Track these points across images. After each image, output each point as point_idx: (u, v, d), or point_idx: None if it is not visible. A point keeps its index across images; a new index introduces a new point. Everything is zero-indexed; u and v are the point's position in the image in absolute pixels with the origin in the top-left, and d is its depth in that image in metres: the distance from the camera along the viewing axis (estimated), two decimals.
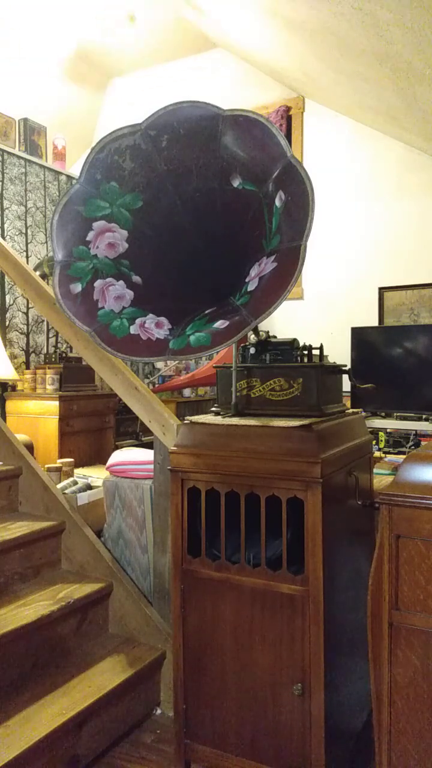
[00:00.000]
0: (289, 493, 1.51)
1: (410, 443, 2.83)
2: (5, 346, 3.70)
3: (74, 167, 4.77)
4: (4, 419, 3.49)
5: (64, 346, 4.17)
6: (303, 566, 1.51)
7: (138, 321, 1.59)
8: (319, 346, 1.74)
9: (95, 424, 3.63)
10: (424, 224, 3.91)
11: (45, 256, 4.04)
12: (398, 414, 3.03)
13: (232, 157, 1.54)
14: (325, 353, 1.75)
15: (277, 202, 1.47)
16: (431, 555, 1.28)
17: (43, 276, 3.59)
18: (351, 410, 1.86)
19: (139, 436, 4.02)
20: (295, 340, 1.73)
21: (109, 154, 1.59)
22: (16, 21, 4.04)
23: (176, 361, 4.20)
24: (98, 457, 3.58)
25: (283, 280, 1.40)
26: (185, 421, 1.71)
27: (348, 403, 2.06)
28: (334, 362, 1.78)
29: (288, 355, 1.71)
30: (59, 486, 2.57)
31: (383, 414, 3.06)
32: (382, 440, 2.87)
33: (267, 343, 1.73)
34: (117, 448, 3.44)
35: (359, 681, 1.77)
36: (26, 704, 1.74)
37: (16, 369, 3.56)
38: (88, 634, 2.12)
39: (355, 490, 1.72)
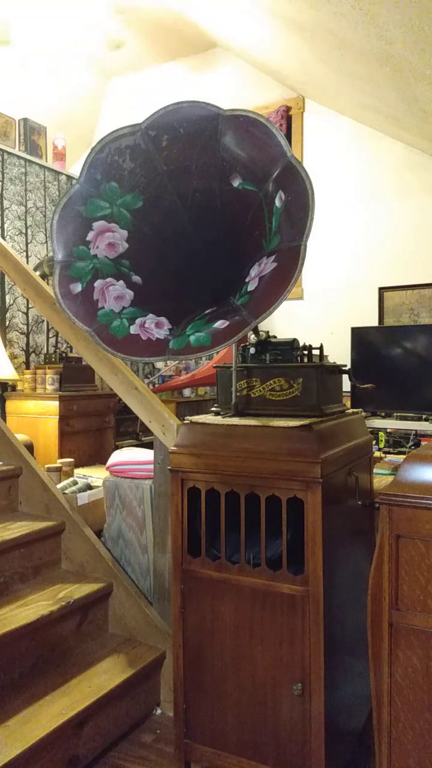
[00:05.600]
0: (289, 493, 1.51)
1: (410, 443, 2.83)
2: (5, 346, 3.70)
3: (74, 167, 4.77)
4: (4, 419, 3.49)
5: (64, 346, 4.17)
6: (303, 566, 1.51)
7: (138, 321, 1.59)
8: (319, 346, 1.74)
9: (95, 424, 3.63)
10: (424, 224, 3.91)
11: (45, 256, 4.04)
12: (398, 414, 3.03)
13: (232, 157, 1.54)
14: (325, 353, 1.75)
15: (277, 202, 1.47)
16: (431, 555, 1.28)
17: (43, 276, 3.59)
18: (351, 410, 1.86)
19: (139, 436, 4.02)
20: (295, 340, 1.73)
21: (109, 154, 1.59)
22: (16, 21, 4.04)
23: (176, 361, 4.20)
24: (98, 457, 3.58)
25: (283, 280, 1.40)
26: (185, 421, 1.71)
27: (348, 403, 2.06)
28: (334, 362, 1.78)
29: (288, 355, 1.71)
30: (59, 486, 2.57)
31: (383, 414, 3.06)
32: (382, 440, 2.87)
33: (267, 343, 1.73)
34: (117, 448, 3.44)
35: (359, 681, 1.77)
36: (26, 704, 1.74)
37: (16, 369, 3.56)
38: (88, 634, 2.12)
39: (355, 490, 1.72)
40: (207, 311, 1.58)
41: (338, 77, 3.50)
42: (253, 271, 1.51)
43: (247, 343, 1.74)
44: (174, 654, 1.71)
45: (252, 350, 1.74)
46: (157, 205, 1.64)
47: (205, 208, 1.63)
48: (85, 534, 2.25)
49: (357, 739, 1.75)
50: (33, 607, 1.95)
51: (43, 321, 4.03)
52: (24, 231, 3.97)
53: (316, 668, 1.50)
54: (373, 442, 2.27)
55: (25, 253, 3.97)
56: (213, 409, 1.78)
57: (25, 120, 4.05)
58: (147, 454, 2.23)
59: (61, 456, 3.29)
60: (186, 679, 1.69)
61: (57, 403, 3.38)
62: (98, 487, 2.63)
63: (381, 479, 2.17)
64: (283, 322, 4.23)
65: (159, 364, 4.46)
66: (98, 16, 4.13)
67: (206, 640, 1.66)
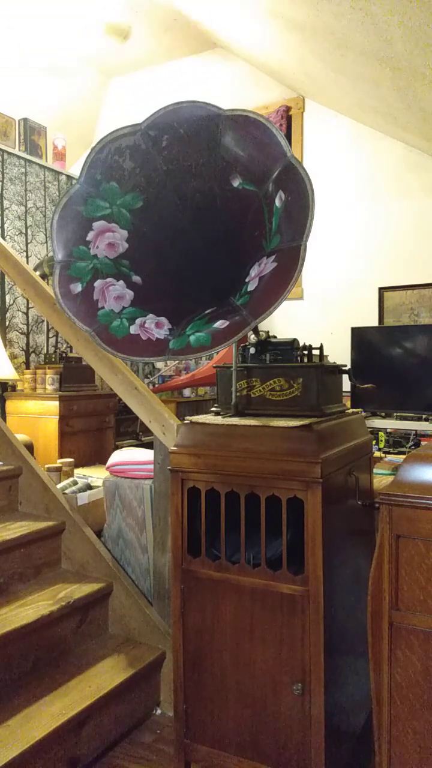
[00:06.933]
0: (289, 493, 1.51)
1: (410, 443, 2.83)
2: (5, 346, 3.70)
3: (74, 167, 4.77)
4: (4, 419, 3.49)
5: (64, 346, 4.18)
6: (303, 566, 1.51)
7: (138, 321, 1.59)
8: (319, 346, 1.74)
9: (95, 424, 3.63)
10: (424, 224, 3.91)
11: (45, 256, 4.04)
12: (398, 414, 3.03)
13: (232, 157, 1.54)
14: (325, 353, 1.75)
15: (277, 202, 1.47)
16: (431, 555, 1.28)
17: (43, 276, 3.59)
18: (351, 410, 1.86)
19: (139, 436, 4.02)
20: (295, 340, 1.73)
21: (109, 154, 1.59)
22: (16, 20, 4.04)
23: (176, 361, 4.20)
24: (98, 457, 3.58)
25: (283, 280, 1.40)
26: (185, 421, 1.71)
27: (348, 403, 2.06)
28: (334, 362, 1.78)
29: (288, 355, 1.71)
30: (59, 486, 2.57)
31: (383, 414, 3.06)
32: (382, 440, 2.87)
33: (267, 343, 1.73)
34: (117, 448, 3.44)
35: (359, 681, 1.77)
36: (26, 704, 1.74)
37: (16, 369, 3.56)
38: (88, 634, 2.12)
39: (355, 490, 1.72)
40: (207, 311, 1.58)
41: (338, 77, 3.50)
42: (253, 271, 1.51)
43: (247, 343, 1.74)
44: (174, 654, 1.71)
45: (252, 350, 1.74)
46: (157, 205, 1.64)
47: (205, 208, 1.63)
48: (85, 534, 2.26)
49: (357, 739, 1.75)
50: (33, 607, 1.95)
51: (43, 321, 4.03)
52: (24, 231, 3.97)
53: (316, 668, 1.50)
54: (373, 442, 2.27)
55: (25, 253, 3.97)
56: (213, 409, 1.78)
57: (25, 120, 4.05)
58: (147, 454, 2.23)
59: (61, 456, 3.29)
60: (186, 679, 1.69)
61: (57, 403, 3.38)
62: (98, 487, 2.63)
63: (381, 479, 2.17)
64: (283, 322, 4.23)
65: (159, 364, 4.46)
66: (99, 14, 4.13)
67: (206, 640, 1.66)
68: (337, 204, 4.16)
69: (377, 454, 2.70)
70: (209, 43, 4.47)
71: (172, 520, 1.70)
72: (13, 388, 3.66)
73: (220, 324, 1.47)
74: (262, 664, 1.58)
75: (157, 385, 4.12)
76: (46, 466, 2.73)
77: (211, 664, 1.65)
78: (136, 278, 1.65)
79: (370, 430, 2.14)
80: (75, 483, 2.69)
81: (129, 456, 2.30)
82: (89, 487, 2.66)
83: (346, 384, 1.93)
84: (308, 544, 1.49)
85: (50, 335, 4.11)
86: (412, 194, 3.94)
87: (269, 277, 1.44)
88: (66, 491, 2.55)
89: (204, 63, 4.62)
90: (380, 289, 4.03)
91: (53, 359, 3.75)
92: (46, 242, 4.14)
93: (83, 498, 2.54)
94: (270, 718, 1.58)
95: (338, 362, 1.81)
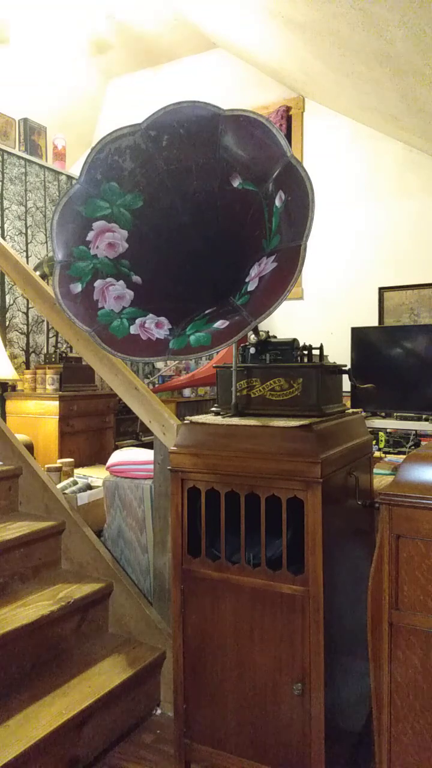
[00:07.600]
0: (289, 493, 1.51)
1: (410, 443, 2.83)
2: (5, 346, 3.70)
3: (74, 167, 4.77)
4: (4, 419, 3.49)
5: (64, 346, 4.18)
6: (303, 566, 1.51)
7: (138, 321, 1.59)
8: (319, 346, 1.74)
9: (95, 424, 3.63)
10: (424, 224, 3.91)
11: (45, 256, 4.04)
12: (398, 414, 3.03)
13: (232, 157, 1.54)
14: (325, 353, 1.75)
15: (277, 202, 1.47)
16: (431, 555, 1.28)
17: (43, 276, 3.59)
18: (351, 410, 1.86)
19: (139, 436, 4.02)
20: (295, 340, 1.73)
21: (109, 154, 1.59)
22: (16, 21, 4.04)
23: (176, 361, 4.20)
24: (98, 457, 3.58)
25: (283, 280, 1.40)
26: (185, 421, 1.71)
27: (348, 403, 2.06)
28: (334, 362, 1.78)
29: (288, 355, 1.71)
30: (59, 486, 2.58)
31: (383, 414, 3.06)
32: (382, 440, 2.87)
33: (267, 343, 1.73)
34: (117, 448, 3.44)
35: (359, 681, 1.77)
36: (26, 704, 1.74)
37: (16, 369, 3.56)
38: (88, 634, 2.12)
39: (355, 490, 1.72)
40: (207, 311, 1.58)
41: (338, 77, 3.50)
42: (253, 271, 1.51)
43: (247, 343, 1.74)
44: (174, 654, 1.71)
45: (252, 350, 1.74)
46: (157, 205, 1.64)
47: (205, 208, 1.63)
48: (85, 534, 2.26)
49: (357, 739, 1.75)
50: (33, 607, 1.95)
51: (43, 321, 4.03)
52: (24, 231, 3.97)
53: (316, 668, 1.50)
54: (373, 442, 2.27)
55: (25, 253, 3.97)
56: (213, 409, 1.78)
57: (25, 120, 4.05)
58: (147, 454, 2.23)
59: (61, 456, 3.29)
60: (186, 679, 1.69)
61: (57, 403, 3.38)
62: (98, 487, 2.63)
63: (381, 479, 2.17)
64: (283, 322, 4.23)
65: (159, 364, 4.46)
66: (96, 16, 4.13)
67: (206, 640, 1.66)
68: (337, 204, 4.16)
69: (377, 454, 2.70)
70: (209, 43, 4.47)
71: (172, 520, 1.70)
72: (13, 388, 3.66)
73: (220, 324, 1.47)
74: (262, 664, 1.58)
75: (157, 385, 4.12)
76: (46, 466, 2.73)
77: (211, 664, 1.65)
78: (136, 278, 1.65)
79: (370, 430, 2.14)
80: (75, 483, 2.69)
81: (129, 456, 2.30)
82: (89, 487, 2.66)
83: (346, 384, 1.93)
84: (308, 544, 1.49)
85: (50, 335, 4.11)
86: (412, 194, 3.94)
87: (269, 277, 1.44)
88: (66, 491, 2.55)
89: (204, 63, 4.62)
90: (380, 289, 4.03)
91: (53, 359, 3.75)
92: (46, 242, 4.14)
93: (83, 498, 2.54)
94: (270, 718, 1.58)
95: (338, 362, 1.81)
